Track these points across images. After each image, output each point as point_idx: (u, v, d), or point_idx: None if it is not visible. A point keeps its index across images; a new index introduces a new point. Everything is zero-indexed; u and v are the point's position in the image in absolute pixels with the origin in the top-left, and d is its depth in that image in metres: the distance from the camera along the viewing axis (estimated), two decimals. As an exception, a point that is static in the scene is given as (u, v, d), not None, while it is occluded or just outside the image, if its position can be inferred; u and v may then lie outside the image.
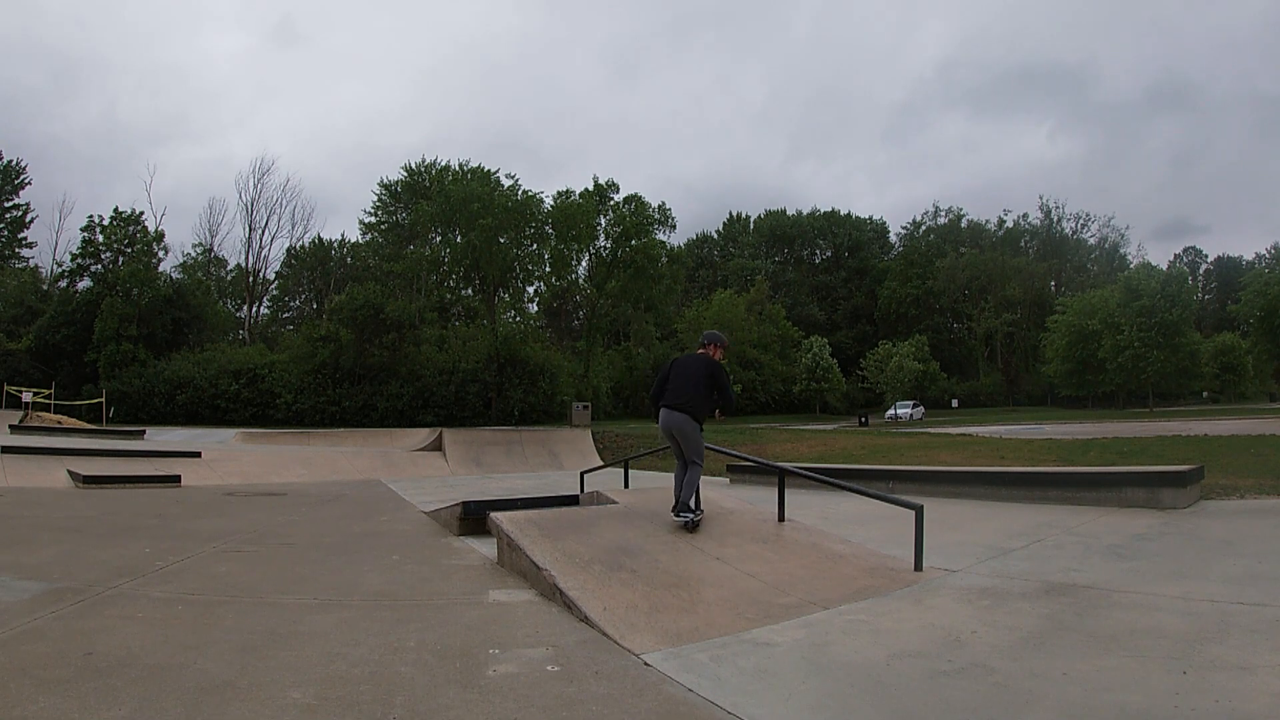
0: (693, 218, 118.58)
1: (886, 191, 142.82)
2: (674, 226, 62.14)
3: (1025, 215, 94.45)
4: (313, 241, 76.37)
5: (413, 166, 71.61)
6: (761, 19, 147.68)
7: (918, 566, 6.33)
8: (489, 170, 58.68)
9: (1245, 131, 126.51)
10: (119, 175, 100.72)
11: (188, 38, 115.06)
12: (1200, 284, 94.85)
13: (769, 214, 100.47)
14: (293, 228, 70.82)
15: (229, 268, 72.75)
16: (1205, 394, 71.13)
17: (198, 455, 19.81)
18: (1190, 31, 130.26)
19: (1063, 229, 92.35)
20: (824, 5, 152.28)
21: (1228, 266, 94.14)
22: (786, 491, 8.37)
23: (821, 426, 48.34)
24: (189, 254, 68.30)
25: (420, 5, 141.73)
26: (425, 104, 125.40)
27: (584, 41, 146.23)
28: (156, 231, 54.68)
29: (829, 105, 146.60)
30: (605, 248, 59.36)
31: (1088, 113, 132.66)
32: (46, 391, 39.94)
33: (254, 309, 72.17)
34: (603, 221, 58.96)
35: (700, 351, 8.14)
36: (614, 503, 9.07)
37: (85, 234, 52.92)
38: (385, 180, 73.09)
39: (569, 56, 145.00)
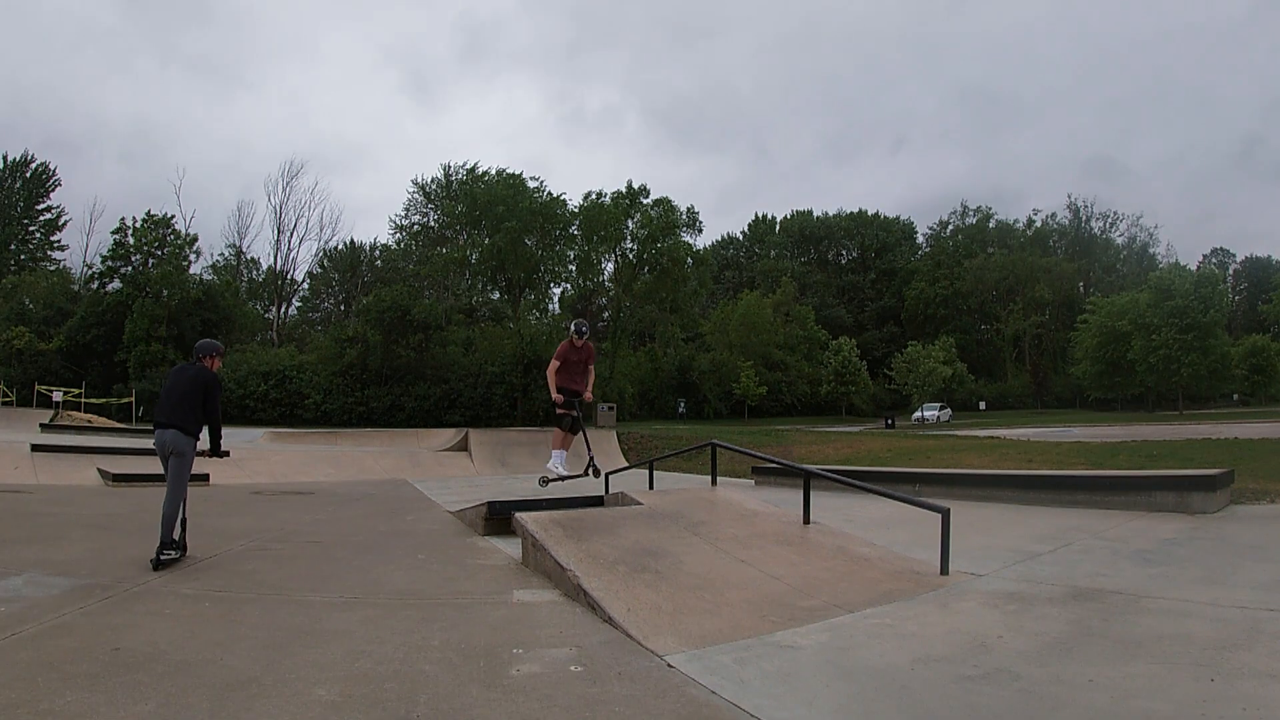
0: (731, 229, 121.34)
1: (904, 194, 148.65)
2: (701, 229, 62.13)
3: (1054, 215, 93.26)
4: (346, 244, 77.02)
5: (450, 167, 72.06)
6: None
7: (944, 570, 6.27)
8: (516, 173, 58.93)
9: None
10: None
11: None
12: (1230, 285, 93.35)
13: (796, 214, 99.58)
14: (321, 230, 71.20)
15: (261, 269, 73.44)
16: (1235, 396, 70.08)
17: (226, 454, 19.95)
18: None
19: (1091, 228, 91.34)
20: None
21: (1257, 267, 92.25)
22: (812, 494, 8.32)
23: (848, 428, 48.14)
24: (220, 256, 69.15)
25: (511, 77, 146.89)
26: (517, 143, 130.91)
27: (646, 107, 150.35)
28: (189, 235, 55.42)
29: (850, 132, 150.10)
30: (631, 249, 59.35)
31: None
32: (76, 391, 40.50)
33: (283, 310, 72.79)
34: (630, 224, 58.95)
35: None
36: (639, 504, 9.05)
37: (116, 237, 53.69)
38: (419, 179, 73.62)
39: (627, 118, 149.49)
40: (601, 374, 54.92)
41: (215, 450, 7.91)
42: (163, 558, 7.02)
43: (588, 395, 10.03)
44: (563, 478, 10.33)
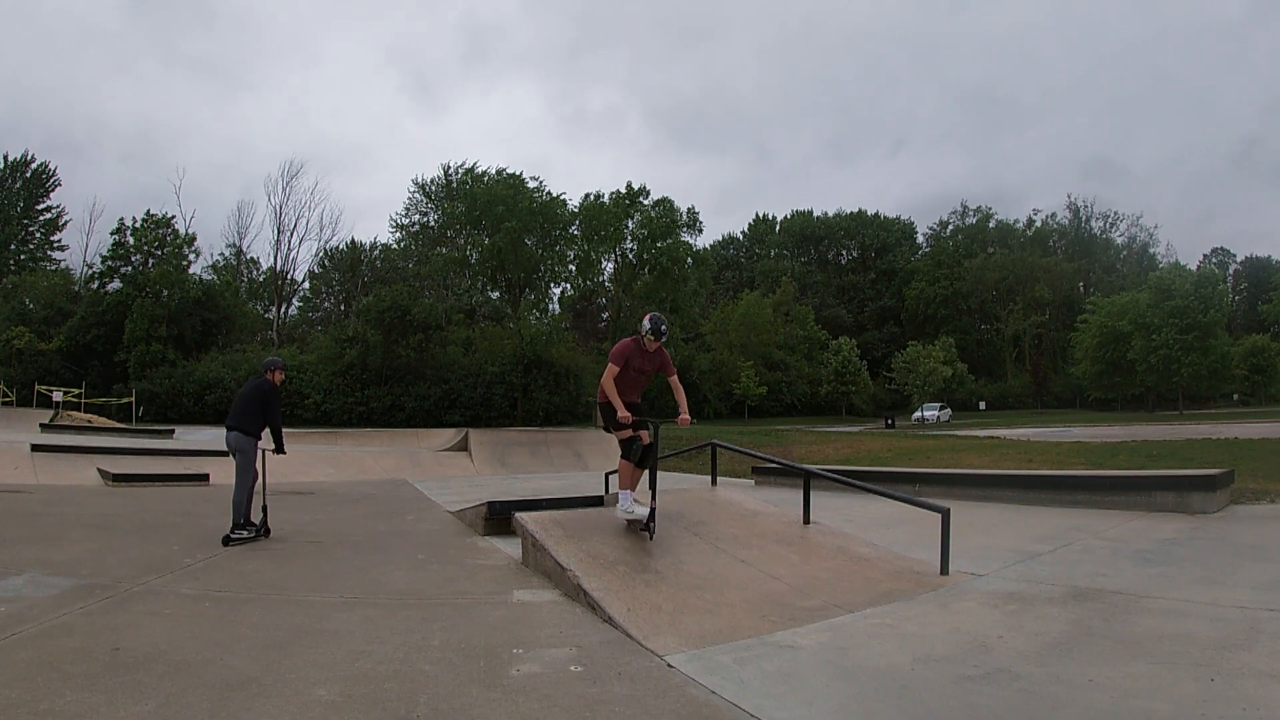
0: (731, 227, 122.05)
1: (904, 195, 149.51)
2: (701, 230, 62.17)
3: (1054, 215, 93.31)
4: (346, 244, 77.00)
5: (451, 167, 71.95)
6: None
7: (943, 570, 6.27)
8: (516, 174, 58.89)
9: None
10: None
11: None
12: (1230, 285, 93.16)
13: (796, 214, 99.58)
14: (321, 230, 71.36)
15: (261, 269, 73.42)
16: (1235, 396, 70.13)
17: (226, 454, 19.93)
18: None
19: (1091, 228, 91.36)
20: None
21: (1257, 267, 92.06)
22: (812, 494, 8.30)
23: (848, 428, 48.15)
24: (220, 256, 69.14)
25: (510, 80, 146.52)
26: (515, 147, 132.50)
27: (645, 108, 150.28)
28: (188, 235, 55.43)
29: (849, 133, 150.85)
30: (631, 249, 59.43)
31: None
32: (77, 391, 40.46)
33: (283, 310, 72.78)
34: (630, 224, 59.02)
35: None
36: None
37: (115, 237, 53.72)
38: (419, 179, 73.47)
39: (628, 118, 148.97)
40: (602, 374, 55.07)
41: (279, 448, 9.30)
42: (232, 537, 8.31)
43: (684, 418, 7.72)
44: (645, 523, 7.16)
